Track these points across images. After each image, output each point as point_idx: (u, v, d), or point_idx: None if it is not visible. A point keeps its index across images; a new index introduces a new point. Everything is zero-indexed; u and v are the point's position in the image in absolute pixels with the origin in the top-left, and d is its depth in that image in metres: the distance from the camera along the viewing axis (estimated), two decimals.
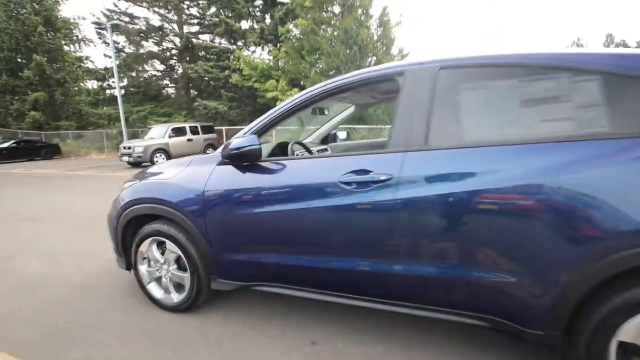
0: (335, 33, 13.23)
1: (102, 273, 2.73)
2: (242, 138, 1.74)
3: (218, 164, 1.87)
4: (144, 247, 2.10)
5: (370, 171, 1.49)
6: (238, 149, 1.71)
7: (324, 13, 13.98)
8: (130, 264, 2.22)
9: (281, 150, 2.34)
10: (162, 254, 2.08)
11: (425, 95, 1.48)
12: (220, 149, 1.86)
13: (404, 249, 1.45)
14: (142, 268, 2.16)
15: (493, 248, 1.32)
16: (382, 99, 2.75)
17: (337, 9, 14.02)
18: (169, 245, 2.00)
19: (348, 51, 12.73)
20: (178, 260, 2.02)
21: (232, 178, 1.81)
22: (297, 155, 2.41)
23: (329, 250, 1.63)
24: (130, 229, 2.16)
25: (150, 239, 2.07)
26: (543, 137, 1.28)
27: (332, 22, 13.95)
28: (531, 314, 1.29)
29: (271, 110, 1.86)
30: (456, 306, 1.44)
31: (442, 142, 1.43)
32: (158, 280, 2.14)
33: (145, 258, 2.14)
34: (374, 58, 12.93)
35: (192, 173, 1.95)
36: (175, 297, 2.07)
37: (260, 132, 1.84)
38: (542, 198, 1.21)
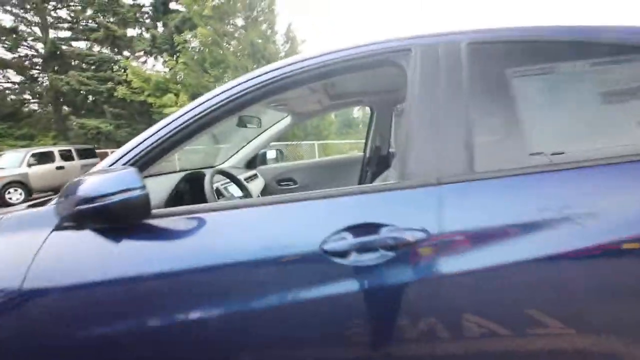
0: (241, 47, 12.42)
1: None
2: (105, 175, 0.83)
3: (56, 229, 0.90)
4: None
5: (384, 225, 0.78)
6: (94, 199, 0.80)
7: (226, 25, 13.03)
8: None
9: (192, 188, 1.37)
10: None
11: (455, 85, 0.87)
12: (57, 200, 0.91)
13: None
14: None
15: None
16: (341, 102, 2.00)
17: (240, 21, 13.25)
18: None
19: (255, 65, 12.06)
20: None
21: (87, 257, 0.87)
22: (223, 195, 1.46)
23: None
24: None
25: None
26: None
27: (236, 34, 13.10)
28: None
29: (168, 118, 0.98)
30: None
31: (501, 164, 0.83)
32: None
33: None
34: None
35: None
36: None
37: (145, 162, 0.94)
38: None
